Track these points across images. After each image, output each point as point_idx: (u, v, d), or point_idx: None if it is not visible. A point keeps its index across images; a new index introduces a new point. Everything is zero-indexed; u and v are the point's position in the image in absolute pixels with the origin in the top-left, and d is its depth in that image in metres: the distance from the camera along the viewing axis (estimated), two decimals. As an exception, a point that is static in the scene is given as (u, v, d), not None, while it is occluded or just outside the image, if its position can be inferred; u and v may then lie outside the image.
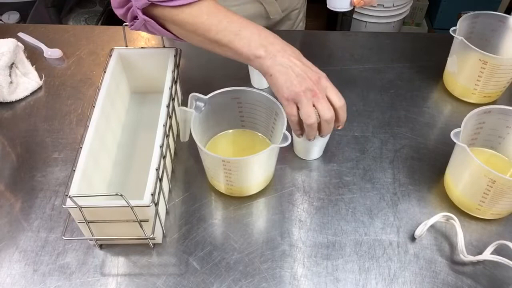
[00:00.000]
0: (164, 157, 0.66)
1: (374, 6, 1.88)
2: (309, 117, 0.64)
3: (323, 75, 0.66)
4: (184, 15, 0.65)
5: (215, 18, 0.65)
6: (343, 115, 0.67)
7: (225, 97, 0.71)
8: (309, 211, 0.72)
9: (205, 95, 0.68)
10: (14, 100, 0.88)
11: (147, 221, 0.62)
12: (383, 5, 1.87)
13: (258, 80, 0.86)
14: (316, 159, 0.79)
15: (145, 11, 0.67)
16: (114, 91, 0.78)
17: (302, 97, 0.63)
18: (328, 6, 0.83)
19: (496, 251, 0.66)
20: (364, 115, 0.87)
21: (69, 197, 0.58)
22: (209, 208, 0.73)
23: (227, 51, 0.66)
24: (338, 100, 0.66)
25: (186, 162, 0.79)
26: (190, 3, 0.64)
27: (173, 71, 0.76)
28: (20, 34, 1.01)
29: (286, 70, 0.63)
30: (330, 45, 1.02)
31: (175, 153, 0.80)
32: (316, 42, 1.03)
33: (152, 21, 0.67)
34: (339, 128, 0.69)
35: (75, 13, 1.86)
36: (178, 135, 0.80)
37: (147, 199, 0.60)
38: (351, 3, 0.80)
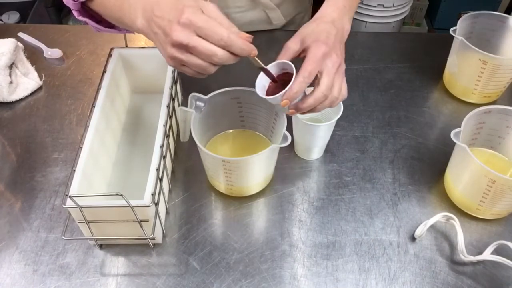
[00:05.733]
0: (164, 157, 0.66)
1: (374, 6, 1.88)
2: (204, 70, 0.56)
3: (189, 13, 0.53)
4: (98, 4, 0.63)
5: None
6: (235, 49, 0.54)
7: (225, 97, 0.71)
8: (309, 211, 0.72)
9: (205, 95, 0.68)
10: (14, 100, 0.88)
11: (147, 221, 0.62)
12: (383, 5, 1.87)
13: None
14: (316, 159, 0.79)
15: (83, 11, 0.67)
16: (114, 91, 0.78)
17: (178, 56, 0.55)
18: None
19: (496, 251, 0.66)
20: (364, 115, 0.87)
21: (69, 197, 0.58)
22: (209, 208, 0.73)
23: (131, 30, 0.61)
24: (215, 37, 0.53)
25: (186, 162, 0.79)
26: None
27: (173, 71, 0.76)
28: (20, 34, 1.01)
29: (157, 38, 0.56)
30: (330, 45, 1.02)
31: (175, 153, 0.80)
32: (316, 42, 1.02)
33: (88, 19, 0.67)
34: (253, 54, 0.56)
35: (75, 13, 1.86)
36: (178, 135, 0.80)
37: (147, 199, 0.60)
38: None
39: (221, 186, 0.72)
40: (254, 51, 0.57)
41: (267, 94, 0.62)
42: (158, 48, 0.58)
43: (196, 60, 0.55)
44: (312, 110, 0.62)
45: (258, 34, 1.02)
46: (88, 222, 0.61)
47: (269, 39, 1.02)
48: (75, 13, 0.67)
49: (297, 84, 0.58)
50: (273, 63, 0.62)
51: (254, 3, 0.96)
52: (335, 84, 0.61)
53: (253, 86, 0.65)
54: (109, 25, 0.67)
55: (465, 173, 0.69)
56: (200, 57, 0.55)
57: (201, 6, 0.55)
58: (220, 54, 0.54)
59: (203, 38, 0.53)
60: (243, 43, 0.55)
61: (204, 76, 0.59)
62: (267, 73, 0.62)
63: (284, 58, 0.63)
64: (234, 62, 0.57)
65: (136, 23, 0.58)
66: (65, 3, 0.66)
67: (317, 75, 0.60)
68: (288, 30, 1.08)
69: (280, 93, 0.59)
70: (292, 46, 0.63)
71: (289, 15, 1.04)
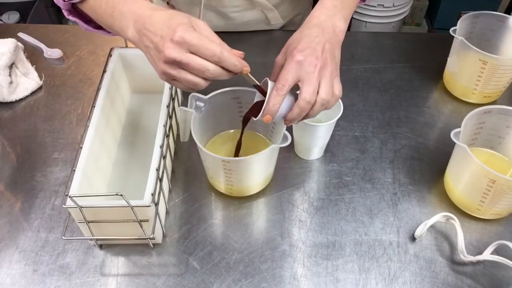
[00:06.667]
0: (164, 157, 0.66)
1: (374, 6, 1.88)
2: (195, 85, 0.56)
3: (181, 31, 0.53)
4: (88, 7, 0.63)
5: (102, 3, 0.61)
6: (228, 65, 0.55)
7: (225, 97, 0.71)
8: (309, 211, 0.72)
9: (205, 95, 0.68)
10: (14, 100, 0.88)
11: (147, 221, 0.62)
12: (383, 5, 1.87)
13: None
14: (316, 159, 0.79)
15: (73, 11, 0.67)
16: (114, 91, 0.78)
17: (170, 72, 0.55)
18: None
19: (496, 251, 0.66)
20: (364, 115, 0.87)
21: (69, 197, 0.58)
22: (209, 208, 0.73)
23: (121, 36, 0.61)
24: (207, 53, 0.54)
25: (186, 162, 0.79)
26: None
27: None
28: (20, 34, 1.01)
29: (148, 51, 0.56)
30: (330, 45, 1.02)
31: (175, 153, 0.80)
32: (316, 42, 1.02)
33: (77, 19, 0.67)
34: (246, 71, 0.57)
35: (75, 13, 1.86)
36: (178, 135, 0.80)
37: (147, 199, 0.60)
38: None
39: (221, 186, 0.72)
40: (246, 67, 0.57)
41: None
42: (149, 60, 0.58)
43: (188, 76, 0.55)
44: (306, 116, 0.61)
45: (257, 34, 1.03)
46: (88, 222, 0.61)
47: (268, 40, 1.02)
48: (64, 13, 0.67)
49: (272, 98, 0.58)
50: (265, 79, 0.61)
51: (252, 4, 0.96)
52: (321, 86, 0.59)
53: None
54: (98, 26, 0.67)
55: (465, 173, 0.69)
56: (192, 73, 0.55)
57: (193, 23, 0.56)
58: (213, 69, 0.55)
59: (196, 55, 0.54)
60: (236, 59, 0.56)
61: (195, 91, 0.59)
62: (260, 89, 0.62)
63: (275, 73, 0.62)
64: (227, 78, 0.57)
65: (126, 33, 0.58)
66: (55, 2, 0.66)
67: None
68: (288, 30, 1.08)
69: (261, 111, 0.59)
70: (279, 60, 0.63)
71: (287, 16, 1.04)
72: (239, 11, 0.97)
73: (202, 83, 0.56)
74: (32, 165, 0.78)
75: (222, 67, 0.55)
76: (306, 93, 0.58)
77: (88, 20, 0.68)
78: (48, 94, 0.90)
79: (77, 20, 0.68)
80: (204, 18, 0.94)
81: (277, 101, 0.58)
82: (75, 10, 0.67)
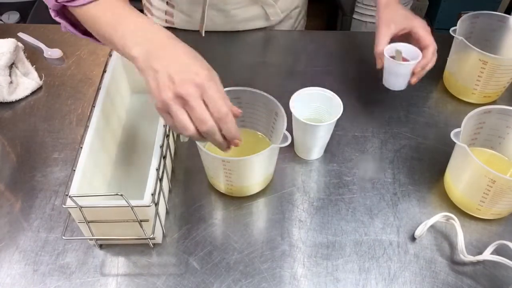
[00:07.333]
0: (164, 157, 0.66)
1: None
2: (185, 129, 0.55)
3: (204, 77, 0.55)
4: (86, 13, 0.61)
5: (107, 13, 0.60)
6: (226, 128, 0.56)
7: (225, 97, 0.71)
8: (309, 211, 0.72)
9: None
10: (14, 100, 0.88)
11: (147, 221, 0.62)
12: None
13: (390, 81, 0.81)
14: (316, 159, 0.79)
15: (61, 12, 0.65)
16: (114, 91, 0.78)
17: (172, 106, 0.54)
18: (384, 83, 0.82)
19: (496, 251, 0.66)
20: (364, 115, 0.87)
21: (69, 197, 0.58)
22: (209, 208, 0.73)
23: (117, 50, 0.60)
24: (216, 108, 0.55)
25: (186, 162, 0.79)
26: (91, 1, 0.60)
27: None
28: (20, 34, 1.01)
29: (155, 75, 0.55)
30: (330, 45, 1.02)
31: (175, 153, 0.80)
32: (316, 42, 1.03)
33: (64, 22, 0.65)
34: (235, 144, 0.60)
35: (75, 13, 1.86)
36: (178, 135, 0.80)
37: (147, 199, 0.60)
38: (406, 84, 0.80)
39: (221, 186, 0.72)
40: (237, 140, 0.59)
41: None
42: (150, 83, 0.56)
43: (185, 118, 0.55)
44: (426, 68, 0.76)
45: (256, 33, 1.03)
46: (88, 222, 0.61)
47: (266, 39, 1.02)
48: (52, 13, 0.65)
49: (433, 58, 0.77)
50: (392, 47, 0.78)
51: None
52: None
53: (253, 86, 0.65)
54: (86, 32, 0.65)
55: (465, 173, 0.69)
56: (191, 117, 0.55)
57: (213, 76, 0.57)
58: (210, 124, 0.55)
59: (204, 104, 0.55)
60: (234, 129, 0.57)
61: (177, 133, 0.59)
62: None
63: (382, 41, 0.80)
64: (212, 143, 0.58)
65: (131, 50, 0.57)
66: (44, 0, 0.64)
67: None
68: (287, 30, 1.08)
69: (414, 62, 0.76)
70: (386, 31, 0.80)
71: (286, 9, 1.05)
72: (240, 8, 0.98)
73: (193, 132, 0.56)
74: (32, 165, 0.78)
75: (214, 130, 0.56)
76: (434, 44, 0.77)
77: (74, 23, 0.66)
78: (48, 94, 0.90)
79: (64, 23, 0.66)
80: (205, 16, 0.95)
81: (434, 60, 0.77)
82: (63, 12, 0.65)
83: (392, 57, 0.78)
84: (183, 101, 0.54)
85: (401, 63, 0.76)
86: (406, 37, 0.80)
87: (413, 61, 0.76)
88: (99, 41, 0.64)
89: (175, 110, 0.54)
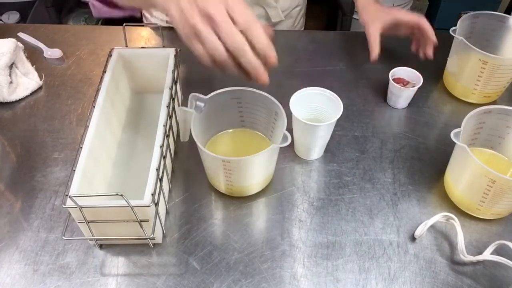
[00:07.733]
0: (164, 157, 0.66)
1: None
2: (215, 49, 0.54)
3: None
4: None
5: None
6: (256, 36, 0.55)
7: (225, 97, 0.71)
8: (309, 211, 0.72)
9: (205, 95, 0.68)
10: (14, 100, 0.88)
11: (147, 221, 0.62)
12: (383, 5, 1.87)
13: (394, 101, 0.89)
14: (316, 159, 0.79)
15: None
16: (114, 91, 0.78)
17: (199, 26, 0.54)
18: (388, 102, 0.90)
19: (496, 251, 0.66)
20: (364, 115, 0.87)
21: (69, 197, 0.58)
22: (209, 208, 0.73)
23: None
24: (242, 18, 0.54)
25: (186, 162, 0.79)
26: None
27: (173, 71, 0.76)
28: (20, 34, 1.01)
29: (177, 4, 0.55)
30: (330, 45, 1.02)
31: (175, 153, 0.80)
32: (316, 42, 1.03)
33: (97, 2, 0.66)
34: (271, 63, 0.58)
35: (75, 13, 1.87)
36: (178, 135, 0.80)
37: (147, 199, 0.60)
38: (407, 104, 0.89)
39: (221, 186, 0.72)
40: (272, 58, 0.57)
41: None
42: (173, 13, 0.55)
43: (214, 38, 0.54)
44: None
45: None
46: (88, 222, 0.61)
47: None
48: None
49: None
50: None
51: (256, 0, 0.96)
52: None
53: (253, 86, 0.65)
54: (112, 4, 0.65)
55: (465, 173, 0.69)
56: (219, 35, 0.54)
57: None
58: (239, 39, 0.54)
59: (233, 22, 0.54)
60: (264, 37, 0.55)
61: (209, 62, 0.57)
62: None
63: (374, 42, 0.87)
64: (244, 58, 0.56)
65: None
66: None
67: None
68: (284, 30, 1.08)
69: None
70: (374, 30, 0.88)
71: (287, 8, 1.05)
72: None
73: (222, 51, 0.55)
74: (32, 165, 0.78)
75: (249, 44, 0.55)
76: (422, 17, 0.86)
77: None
78: (48, 94, 0.90)
79: (99, 5, 0.66)
80: None
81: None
82: None
83: (395, 80, 0.86)
84: (209, 20, 0.53)
85: (403, 88, 0.84)
86: (396, 28, 0.90)
87: (414, 87, 0.85)
88: (123, 9, 0.65)
89: (203, 31, 0.54)
